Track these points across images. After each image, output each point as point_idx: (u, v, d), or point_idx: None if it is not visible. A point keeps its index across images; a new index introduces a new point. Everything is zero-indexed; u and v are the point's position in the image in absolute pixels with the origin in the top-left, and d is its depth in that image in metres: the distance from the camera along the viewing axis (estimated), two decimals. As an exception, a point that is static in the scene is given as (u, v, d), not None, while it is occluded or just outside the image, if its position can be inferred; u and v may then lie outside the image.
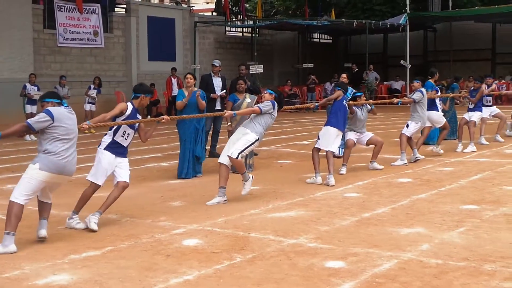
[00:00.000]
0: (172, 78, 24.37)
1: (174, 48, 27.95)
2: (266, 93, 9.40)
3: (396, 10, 32.46)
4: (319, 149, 10.49)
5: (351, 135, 11.42)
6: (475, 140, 14.03)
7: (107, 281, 5.53)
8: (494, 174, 10.74)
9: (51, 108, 6.83)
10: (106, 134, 7.81)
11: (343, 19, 30.39)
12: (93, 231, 7.30)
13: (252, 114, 9.26)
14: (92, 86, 20.81)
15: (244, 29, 32.79)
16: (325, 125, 10.72)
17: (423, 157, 12.51)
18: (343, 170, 11.12)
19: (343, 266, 5.82)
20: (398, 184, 10.06)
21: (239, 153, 8.82)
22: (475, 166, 11.66)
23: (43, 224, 6.94)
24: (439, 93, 13.62)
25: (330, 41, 39.04)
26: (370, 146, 11.72)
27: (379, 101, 14.10)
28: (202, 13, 33.40)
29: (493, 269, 5.64)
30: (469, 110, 14.38)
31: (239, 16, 34.17)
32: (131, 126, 7.80)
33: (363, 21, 29.03)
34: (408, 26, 30.39)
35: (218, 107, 13.43)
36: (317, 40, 38.32)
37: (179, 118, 10.73)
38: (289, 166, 12.49)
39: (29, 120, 6.77)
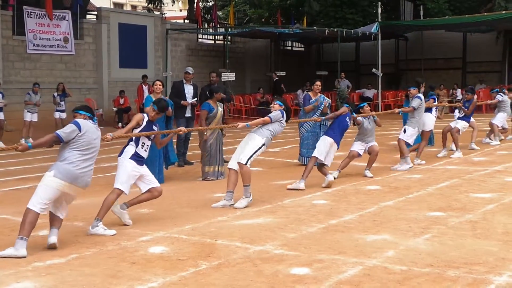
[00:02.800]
0: (144, 86, 24.23)
1: (146, 55, 27.84)
2: (276, 104, 9.66)
3: (368, 19, 32.67)
4: (317, 158, 10.72)
5: (356, 146, 11.69)
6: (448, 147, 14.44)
7: (71, 288, 5.49)
8: (462, 181, 10.84)
9: (80, 120, 7.07)
10: (127, 145, 8.09)
11: (315, 27, 30.51)
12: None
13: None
14: (56, 94, 20.57)
15: (216, 36, 32.78)
16: (323, 134, 11.15)
17: (424, 162, 12.99)
18: (335, 174, 11.33)
19: (308, 273, 5.83)
20: (366, 192, 10.11)
21: (248, 159, 9.12)
22: (443, 174, 11.76)
23: (54, 232, 6.99)
24: (436, 102, 14.07)
25: (303, 49, 39.19)
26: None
27: (381, 112, 14.28)
28: (174, 21, 33.39)
29: (456, 275, 5.68)
30: (458, 118, 14.76)
31: (211, 24, 34.17)
32: (148, 137, 8.17)
33: (335, 30, 29.17)
34: (379, 34, 30.57)
35: (188, 114, 13.43)
36: (290, 48, 38.47)
37: (195, 130, 11.09)
38: (259, 173, 12.49)
39: (58, 131, 6.96)
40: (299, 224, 7.83)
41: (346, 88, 30.25)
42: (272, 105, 9.82)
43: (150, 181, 8.04)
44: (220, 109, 11.58)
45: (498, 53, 34.47)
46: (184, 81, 13.63)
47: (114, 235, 7.44)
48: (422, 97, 12.84)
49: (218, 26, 33.03)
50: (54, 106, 20.49)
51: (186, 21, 33.91)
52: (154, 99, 11.04)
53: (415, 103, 12.51)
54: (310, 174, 10.55)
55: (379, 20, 30.89)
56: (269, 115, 9.50)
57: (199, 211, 8.77)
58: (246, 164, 9.10)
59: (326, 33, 28.63)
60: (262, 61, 34.25)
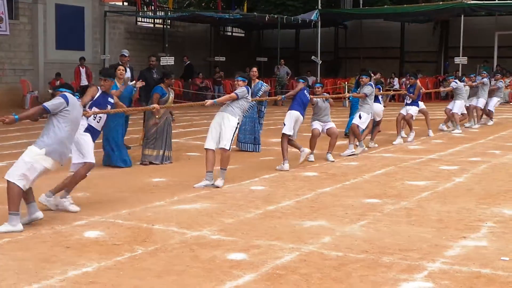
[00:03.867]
0: (81, 68, 23.86)
1: (83, 37, 27.33)
2: (239, 80, 9.80)
3: (308, 6, 32.80)
4: (288, 136, 11.03)
5: (316, 125, 11.95)
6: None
7: (2, 273, 5.34)
8: (397, 169, 11.01)
9: (67, 94, 7.17)
10: None
11: (255, 13, 30.50)
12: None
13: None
14: None
15: (156, 20, 32.42)
16: (289, 109, 11.37)
17: (367, 149, 13.42)
18: (311, 158, 11.69)
19: (245, 258, 5.82)
20: (304, 178, 10.16)
21: (230, 144, 9.46)
22: (380, 161, 11.92)
23: (35, 206, 7.03)
24: (381, 90, 14.51)
25: (243, 35, 39.13)
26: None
27: (333, 96, 14.54)
28: (113, 3, 32.69)
29: (390, 261, 5.76)
30: (407, 104, 15.12)
31: (150, 7, 33.75)
32: (100, 108, 8.26)
33: (275, 16, 29.23)
34: (319, 22, 30.80)
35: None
36: (230, 33, 38.35)
37: (167, 107, 11.08)
38: (198, 158, 12.40)
39: (45, 103, 7.02)
40: (236, 210, 7.82)
41: (285, 75, 30.35)
42: (236, 82, 9.95)
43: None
44: (172, 95, 11.38)
45: (434, 43, 35.14)
46: (121, 64, 13.41)
47: (77, 211, 7.58)
48: (373, 84, 13.24)
49: (158, 9, 32.62)
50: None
51: (125, 3, 33.36)
52: (118, 85, 10.88)
53: (367, 89, 12.92)
54: (249, 160, 10.56)
55: (319, 7, 31.09)
56: (235, 91, 9.67)
57: (136, 195, 8.66)
58: (229, 149, 9.46)
59: (266, 19, 28.67)
60: (202, 46, 34.04)
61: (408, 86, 15.39)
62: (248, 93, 9.74)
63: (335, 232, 6.79)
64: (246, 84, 9.84)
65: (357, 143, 12.80)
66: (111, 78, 8.67)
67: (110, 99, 8.54)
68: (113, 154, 11.10)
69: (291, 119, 11.13)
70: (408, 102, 15.13)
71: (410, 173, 10.60)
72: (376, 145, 14.00)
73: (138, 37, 30.83)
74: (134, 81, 13.27)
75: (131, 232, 6.75)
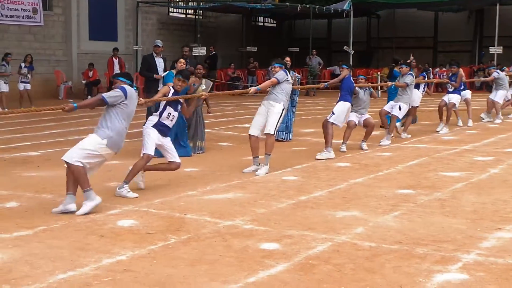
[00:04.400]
0: (114, 59, 24.02)
1: (116, 28, 27.54)
2: (276, 66, 9.98)
3: (341, -4, 32.60)
4: (332, 123, 11.21)
5: (353, 116, 11.95)
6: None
7: (38, 260, 5.41)
8: (431, 160, 10.91)
9: (126, 86, 7.34)
10: (152, 115, 8.41)
11: (287, 3, 30.40)
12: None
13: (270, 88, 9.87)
14: (23, 65, 20.16)
15: (188, 10, 32.49)
16: (340, 100, 11.47)
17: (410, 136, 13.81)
18: (343, 148, 11.76)
19: (277, 248, 5.82)
20: (336, 168, 10.12)
21: (275, 129, 9.68)
22: (413, 152, 11.82)
23: (73, 198, 7.14)
24: (426, 78, 14.79)
25: (275, 25, 39.06)
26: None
27: (373, 85, 14.67)
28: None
29: (424, 252, 5.71)
30: (449, 92, 15.23)
31: (183, -3, 33.85)
32: (175, 108, 8.40)
33: (307, 6, 29.09)
34: (352, 12, 30.58)
35: (160, 87, 13.26)
36: (262, 24, 38.30)
37: (215, 95, 11.23)
38: (229, 148, 12.46)
39: (104, 94, 7.24)
40: (269, 200, 7.82)
41: (317, 65, 30.22)
42: (272, 69, 10.20)
43: (171, 154, 8.32)
44: (203, 87, 11.22)
45: (469, 32, 34.71)
46: (154, 55, 13.49)
47: (136, 197, 7.79)
48: (414, 75, 13.38)
49: (190, 0, 32.70)
50: (18, 77, 19.99)
51: (158, -6, 33.49)
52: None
53: (408, 79, 12.99)
54: (281, 150, 10.53)
55: (352, -3, 30.89)
56: (275, 76, 9.82)
57: (169, 185, 8.70)
58: (274, 134, 9.69)
59: (298, 9, 28.57)
60: (233, 36, 34.06)
61: (450, 74, 15.47)
62: (287, 75, 9.88)
63: (368, 223, 6.75)
64: (282, 69, 9.94)
65: (387, 134, 12.89)
66: (178, 75, 8.73)
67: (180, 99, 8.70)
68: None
69: (344, 112, 11.32)
70: (450, 90, 15.20)
71: (444, 164, 10.50)
72: (409, 135, 13.90)
73: (170, 27, 30.94)
74: (167, 72, 13.33)
75: (164, 221, 6.79)
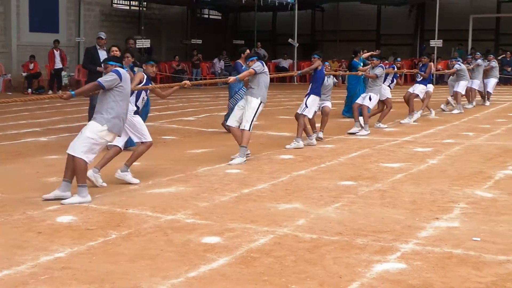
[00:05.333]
0: (55, 51, 23.59)
1: (58, 19, 27.04)
2: (250, 61, 10.16)
3: (285, -11, 32.71)
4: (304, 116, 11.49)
5: (327, 103, 12.37)
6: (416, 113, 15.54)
7: (-27, 259, 5.29)
8: (372, 152, 11.05)
9: (119, 69, 7.51)
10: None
11: (232, -4, 30.38)
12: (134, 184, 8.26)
13: (249, 80, 10.09)
14: None
15: (131, 2, 32.14)
16: (312, 93, 11.64)
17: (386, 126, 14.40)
18: (320, 134, 12.29)
19: (219, 242, 5.81)
20: (279, 161, 10.17)
21: (250, 125, 9.87)
22: (355, 144, 11.95)
23: (69, 187, 7.35)
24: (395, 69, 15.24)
25: (220, 17, 38.95)
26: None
27: (342, 73, 14.89)
28: (88, -16, 32.44)
29: (364, 243, 5.78)
30: (416, 82, 15.93)
31: (126, -11, 33.46)
32: (146, 92, 8.89)
33: (253, -1, 29.12)
34: (296, 5, 30.73)
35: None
36: (207, 16, 38.16)
37: (198, 84, 11.17)
38: (173, 142, 12.39)
39: (100, 79, 7.38)
40: (211, 193, 7.80)
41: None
42: (247, 64, 10.41)
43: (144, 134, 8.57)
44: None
45: (410, 26, 35.23)
46: (98, 47, 13.28)
47: (138, 183, 8.22)
48: (384, 67, 13.86)
49: (133, -9, 32.37)
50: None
51: (101, -15, 33.04)
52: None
53: (378, 70, 13.44)
54: (225, 143, 10.53)
55: (296, -10, 31.03)
56: (252, 67, 10.00)
57: (111, 179, 8.57)
58: (249, 130, 9.87)
59: (243, 1, 28.58)
60: (178, 28, 33.86)
61: (421, 65, 16.06)
62: (263, 66, 10.08)
63: (309, 215, 6.80)
64: (257, 60, 10.13)
65: (363, 124, 13.30)
66: (151, 62, 8.95)
67: (151, 82, 9.01)
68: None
69: (315, 105, 11.66)
70: (419, 80, 15.83)
71: (385, 155, 10.65)
72: (385, 126, 14.45)
73: (114, 19, 30.56)
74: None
75: (105, 216, 6.71)
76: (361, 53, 16.07)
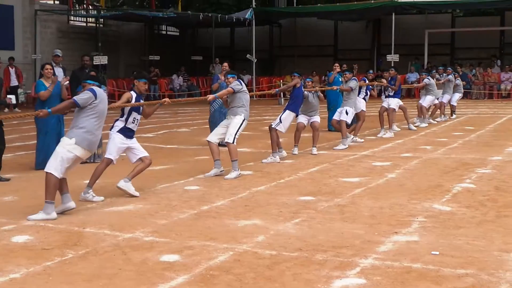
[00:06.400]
0: (10, 68, 23.28)
1: (13, 36, 26.69)
2: (230, 78, 10.36)
3: (243, 5, 32.89)
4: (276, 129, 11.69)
5: (302, 118, 12.46)
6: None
7: None
8: (331, 166, 11.09)
9: (95, 88, 7.69)
10: (117, 120, 8.67)
11: (189, 12, 30.34)
12: (134, 196, 8.46)
13: (229, 100, 10.31)
14: None
15: (88, 19, 31.92)
16: (289, 109, 11.90)
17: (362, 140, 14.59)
18: (295, 151, 12.37)
19: (178, 260, 5.75)
20: (238, 177, 10.13)
21: (234, 138, 10.08)
22: (314, 159, 11.99)
23: (68, 197, 7.56)
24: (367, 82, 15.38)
25: (178, 33, 38.91)
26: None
27: (321, 88, 15.04)
28: (44, 1, 32.10)
29: (324, 258, 5.78)
30: (388, 96, 15.92)
31: (82, 6, 33.21)
32: (138, 112, 8.76)
33: (210, 15, 29.15)
34: (254, 20, 30.85)
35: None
36: (164, 32, 38.09)
37: (177, 102, 11.56)
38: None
39: (75, 97, 7.56)
40: (170, 211, 7.74)
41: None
42: (226, 80, 10.48)
43: (138, 150, 8.74)
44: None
45: (367, 41, 35.62)
46: (54, 64, 13.12)
47: (102, 201, 8.23)
48: (357, 80, 14.14)
49: (90, 8, 32.13)
50: None
51: (57, 2, 32.74)
52: (47, 84, 10.64)
53: (352, 83, 13.68)
54: (184, 159, 10.47)
55: (253, 6, 31.15)
56: (231, 85, 10.22)
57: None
58: (233, 142, 10.05)
59: (201, 17, 28.59)
60: (136, 45, 33.72)
61: (390, 78, 16.10)
62: (241, 84, 10.29)
63: (269, 231, 6.77)
64: (236, 79, 10.35)
65: (347, 137, 13.54)
66: (143, 79, 8.93)
67: (141, 100, 8.96)
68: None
69: (289, 120, 11.86)
70: (391, 94, 15.87)
71: (344, 170, 10.70)
72: (362, 140, 14.62)
73: (71, 36, 30.29)
74: (68, 81, 12.98)
75: (62, 236, 6.60)
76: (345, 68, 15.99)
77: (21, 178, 10.11)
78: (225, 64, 13.71)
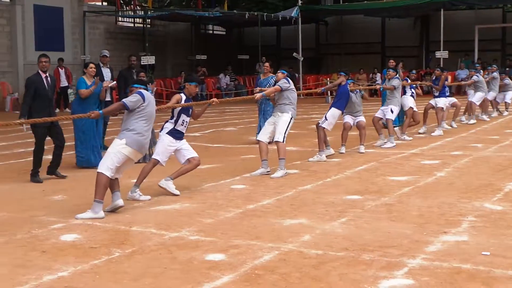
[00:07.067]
0: (60, 69, 23.65)
1: (63, 38, 27.10)
2: (279, 72, 10.42)
3: (289, 3, 32.77)
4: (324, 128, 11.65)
5: (348, 118, 12.46)
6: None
7: (-25, 280, 5.24)
8: (379, 165, 10.96)
9: (143, 91, 7.89)
10: (167, 122, 8.84)
11: (235, 11, 30.41)
12: (176, 195, 8.51)
13: (276, 97, 10.30)
14: None
15: (136, 19, 32.23)
16: (335, 106, 11.91)
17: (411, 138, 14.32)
18: (343, 150, 12.30)
19: (223, 259, 5.74)
20: (285, 176, 10.08)
21: (283, 136, 10.06)
22: (361, 157, 11.86)
23: (118, 195, 7.66)
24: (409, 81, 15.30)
25: (224, 33, 39.02)
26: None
27: (365, 87, 15.10)
28: (92, 3, 32.53)
29: (371, 258, 5.70)
30: (435, 97, 15.84)
31: (130, 6, 33.53)
32: (187, 114, 8.90)
33: (256, 13, 29.13)
34: (300, 19, 30.74)
35: (108, 98, 13.05)
36: (211, 31, 38.23)
37: (225, 101, 11.96)
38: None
39: (125, 100, 7.76)
40: (216, 210, 7.74)
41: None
42: (276, 74, 10.56)
43: (188, 151, 8.85)
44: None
45: (415, 38, 35.18)
46: (101, 64, 13.33)
47: (149, 200, 8.30)
48: (400, 78, 14.11)
49: (137, 8, 32.41)
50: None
51: (105, 3, 33.16)
52: (88, 82, 10.84)
53: (395, 82, 13.52)
54: (230, 158, 10.47)
55: (299, 4, 31.05)
56: (278, 83, 10.26)
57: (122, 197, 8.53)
58: (283, 141, 10.05)
59: (247, 16, 28.59)
60: (183, 44, 33.89)
61: (434, 78, 16.07)
62: (289, 82, 10.25)
63: (315, 230, 6.72)
64: (286, 76, 10.33)
65: (389, 136, 13.34)
66: (194, 83, 9.05)
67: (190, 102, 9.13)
68: (93, 156, 10.94)
69: (335, 118, 11.78)
70: (436, 94, 15.81)
71: (392, 169, 10.56)
72: (411, 138, 14.38)
73: (118, 36, 30.61)
74: (114, 82, 13.12)
75: (109, 234, 6.66)
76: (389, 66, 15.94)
77: (69, 177, 10.23)
78: (266, 64, 13.74)
